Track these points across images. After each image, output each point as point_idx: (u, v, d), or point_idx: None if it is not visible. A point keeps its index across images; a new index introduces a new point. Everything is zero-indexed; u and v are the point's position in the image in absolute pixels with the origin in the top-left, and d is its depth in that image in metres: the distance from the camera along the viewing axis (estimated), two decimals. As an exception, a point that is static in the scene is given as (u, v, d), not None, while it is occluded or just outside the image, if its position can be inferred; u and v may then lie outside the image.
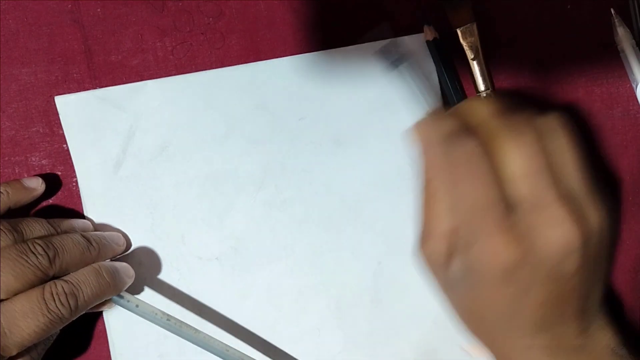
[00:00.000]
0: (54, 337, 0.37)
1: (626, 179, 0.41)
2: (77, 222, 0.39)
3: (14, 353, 0.33)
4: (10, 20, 0.40)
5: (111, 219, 0.40)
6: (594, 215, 0.30)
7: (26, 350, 0.34)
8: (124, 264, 0.38)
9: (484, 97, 0.32)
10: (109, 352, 0.40)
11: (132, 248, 0.40)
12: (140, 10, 0.40)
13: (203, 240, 0.40)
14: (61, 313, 0.33)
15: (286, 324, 0.40)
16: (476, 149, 0.30)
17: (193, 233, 0.40)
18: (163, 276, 0.40)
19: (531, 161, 0.30)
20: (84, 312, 0.35)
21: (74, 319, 0.34)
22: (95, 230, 0.39)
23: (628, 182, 0.41)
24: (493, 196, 0.30)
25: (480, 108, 0.32)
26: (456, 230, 0.31)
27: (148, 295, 0.40)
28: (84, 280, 0.34)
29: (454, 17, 0.39)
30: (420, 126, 0.32)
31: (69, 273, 0.35)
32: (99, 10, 0.40)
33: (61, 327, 0.34)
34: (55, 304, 0.33)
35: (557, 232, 0.29)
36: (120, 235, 0.39)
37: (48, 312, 0.32)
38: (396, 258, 0.40)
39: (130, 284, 0.38)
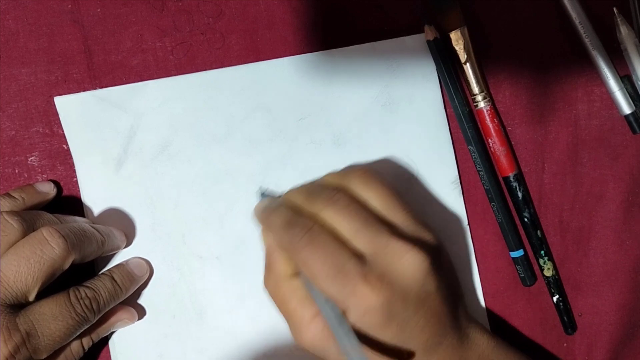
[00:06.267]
0: None
1: (626, 179, 0.41)
2: (79, 220, 0.39)
3: (44, 356, 0.34)
4: (10, 20, 0.40)
5: (111, 219, 0.40)
6: (428, 237, 0.34)
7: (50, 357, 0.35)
8: (137, 260, 0.39)
9: (297, 187, 0.36)
10: (109, 351, 0.40)
11: (133, 248, 0.40)
12: (140, 10, 0.40)
13: (204, 240, 0.40)
14: (86, 315, 0.35)
15: (286, 323, 0.40)
16: (312, 228, 0.33)
17: (194, 232, 0.40)
18: (163, 276, 0.40)
19: (353, 219, 0.33)
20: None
21: (93, 322, 0.36)
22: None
23: (628, 182, 0.41)
24: (343, 257, 0.32)
25: (296, 196, 0.35)
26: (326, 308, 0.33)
27: (149, 295, 0.40)
28: (101, 285, 0.37)
29: (443, 21, 0.39)
30: (261, 214, 0.36)
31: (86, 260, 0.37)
32: (99, 10, 0.40)
33: (82, 330, 0.36)
34: (82, 307, 0.35)
35: (406, 261, 0.32)
36: (120, 231, 0.39)
37: (76, 314, 0.35)
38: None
39: (143, 280, 0.39)
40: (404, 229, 0.34)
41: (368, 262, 0.32)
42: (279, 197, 0.37)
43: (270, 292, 0.35)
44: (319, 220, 0.33)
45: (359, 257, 0.32)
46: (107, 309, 0.37)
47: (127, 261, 0.39)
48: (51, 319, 0.34)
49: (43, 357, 0.34)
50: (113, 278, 0.37)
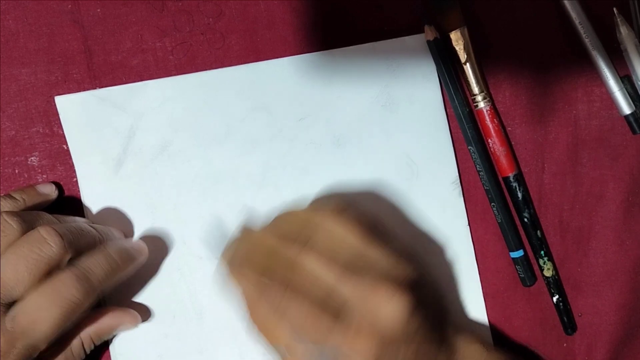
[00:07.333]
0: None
1: (626, 179, 0.41)
2: (78, 220, 0.39)
3: (43, 347, 0.34)
4: (10, 20, 0.40)
5: (111, 219, 0.40)
6: (409, 269, 0.34)
7: (56, 343, 0.35)
8: (134, 241, 0.39)
9: (269, 224, 0.35)
10: (109, 351, 0.40)
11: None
12: (140, 10, 0.40)
13: (204, 240, 0.40)
14: (76, 298, 0.34)
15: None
16: (285, 293, 0.32)
17: (194, 233, 0.40)
18: (163, 276, 0.40)
19: (332, 267, 0.33)
20: (101, 296, 0.36)
21: (94, 300, 0.35)
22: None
23: (628, 182, 0.41)
24: (326, 321, 0.32)
25: (269, 237, 0.34)
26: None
27: (149, 295, 0.40)
28: (93, 262, 0.35)
29: (443, 21, 0.39)
30: (229, 264, 0.35)
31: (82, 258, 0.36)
32: (99, 10, 0.40)
33: (82, 311, 0.35)
34: (68, 291, 0.34)
35: (392, 306, 0.32)
36: (120, 231, 0.39)
37: (61, 301, 0.34)
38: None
39: (143, 261, 0.38)
40: (384, 264, 0.33)
41: (352, 311, 0.32)
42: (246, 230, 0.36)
43: (259, 329, 0.35)
44: (296, 270, 0.33)
45: (342, 309, 0.32)
46: (105, 287, 0.36)
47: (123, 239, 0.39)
48: (36, 311, 0.33)
49: (43, 348, 0.34)
50: (108, 252, 0.36)
